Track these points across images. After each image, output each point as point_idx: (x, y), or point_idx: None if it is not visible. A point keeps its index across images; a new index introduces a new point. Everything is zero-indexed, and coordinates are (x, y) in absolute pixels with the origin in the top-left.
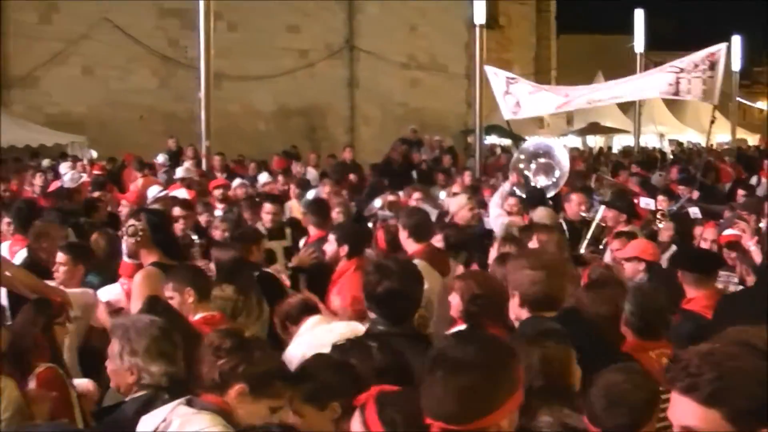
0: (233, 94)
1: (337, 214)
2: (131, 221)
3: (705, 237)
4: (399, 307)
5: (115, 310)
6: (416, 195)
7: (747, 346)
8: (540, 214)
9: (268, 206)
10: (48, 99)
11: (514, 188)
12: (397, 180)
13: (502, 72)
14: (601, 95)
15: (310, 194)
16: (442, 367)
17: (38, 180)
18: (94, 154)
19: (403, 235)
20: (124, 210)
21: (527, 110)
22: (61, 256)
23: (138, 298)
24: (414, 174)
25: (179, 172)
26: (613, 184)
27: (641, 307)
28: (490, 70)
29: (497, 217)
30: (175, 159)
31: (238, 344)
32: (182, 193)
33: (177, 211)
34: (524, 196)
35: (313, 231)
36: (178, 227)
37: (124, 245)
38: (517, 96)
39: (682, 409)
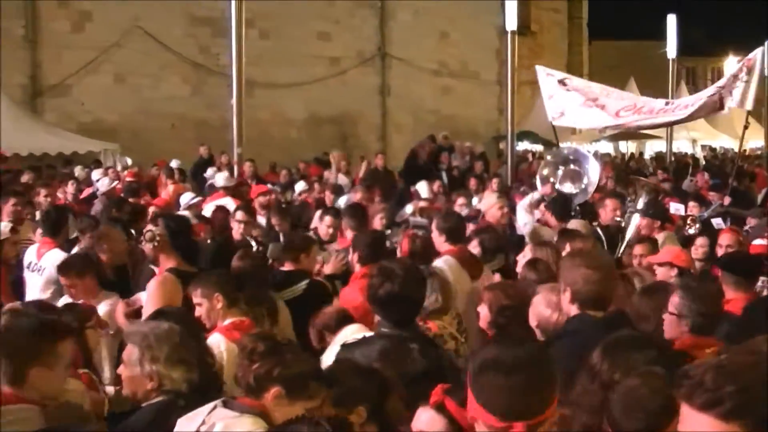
0: (264, 102)
1: (380, 221)
2: (149, 226)
3: (720, 243)
4: (401, 310)
5: (134, 310)
6: (461, 200)
7: (757, 355)
8: (574, 224)
9: (328, 219)
10: (80, 107)
11: (543, 196)
12: (419, 176)
13: (555, 73)
14: (652, 122)
15: (342, 200)
16: (502, 370)
17: (70, 188)
18: (129, 161)
19: (438, 239)
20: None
21: (570, 121)
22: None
23: (152, 304)
24: (444, 176)
25: (220, 180)
26: (645, 183)
27: (697, 303)
28: (542, 71)
29: (525, 224)
30: (206, 166)
31: (271, 348)
32: (227, 201)
33: (239, 215)
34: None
35: (350, 235)
36: (237, 232)
37: (146, 250)
38: (564, 105)
39: (699, 424)
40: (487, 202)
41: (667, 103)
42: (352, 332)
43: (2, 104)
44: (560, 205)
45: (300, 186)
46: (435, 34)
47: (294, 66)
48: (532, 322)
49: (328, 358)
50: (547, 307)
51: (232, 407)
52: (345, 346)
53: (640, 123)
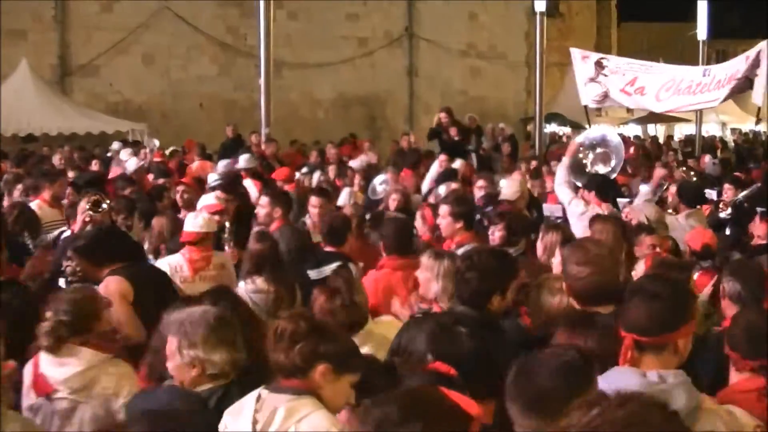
0: (293, 83)
1: (393, 202)
2: (66, 263)
3: (755, 233)
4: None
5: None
6: (480, 182)
7: None
8: (648, 210)
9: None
10: (109, 87)
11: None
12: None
13: (592, 55)
14: (691, 103)
15: (377, 181)
16: (640, 295)
17: (94, 167)
18: (157, 143)
19: (453, 224)
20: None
21: (615, 102)
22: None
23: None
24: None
25: (242, 162)
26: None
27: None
28: (577, 53)
29: (571, 201)
30: (234, 146)
31: (312, 326)
32: (248, 183)
33: (264, 202)
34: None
35: None
36: (315, 215)
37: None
38: (606, 87)
39: None
40: (510, 188)
41: (704, 74)
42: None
43: (32, 84)
44: (603, 185)
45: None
46: (464, 15)
47: (322, 47)
48: (539, 318)
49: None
50: (552, 296)
51: (282, 391)
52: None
53: (681, 107)
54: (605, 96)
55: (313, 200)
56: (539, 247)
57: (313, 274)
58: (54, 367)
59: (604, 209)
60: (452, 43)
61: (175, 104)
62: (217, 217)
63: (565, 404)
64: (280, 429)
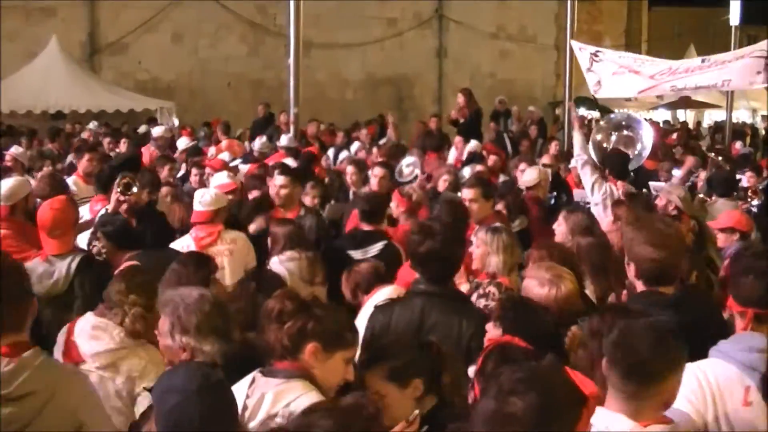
0: (321, 63)
1: (444, 183)
2: (94, 242)
3: None
4: (439, 267)
5: None
6: (522, 166)
7: None
8: (678, 192)
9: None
10: (138, 65)
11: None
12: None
13: (587, 47)
14: (686, 82)
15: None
16: (754, 273)
17: (122, 146)
18: (176, 121)
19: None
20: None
21: (608, 91)
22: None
23: None
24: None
25: (283, 141)
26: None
27: None
28: (576, 45)
29: (594, 183)
30: (265, 125)
31: (299, 305)
32: (290, 162)
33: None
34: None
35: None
36: (375, 185)
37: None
38: (599, 75)
39: None
40: (529, 175)
41: (703, 60)
42: (386, 295)
43: (62, 62)
44: (618, 163)
45: (355, 146)
46: None
47: (351, 27)
48: None
49: (361, 319)
50: (542, 287)
51: (274, 374)
52: (379, 308)
53: (676, 83)
54: (599, 84)
55: (377, 170)
56: (561, 230)
57: (357, 254)
58: (87, 340)
59: (619, 187)
60: (482, 25)
61: (202, 83)
62: (229, 197)
63: (663, 371)
64: (267, 415)
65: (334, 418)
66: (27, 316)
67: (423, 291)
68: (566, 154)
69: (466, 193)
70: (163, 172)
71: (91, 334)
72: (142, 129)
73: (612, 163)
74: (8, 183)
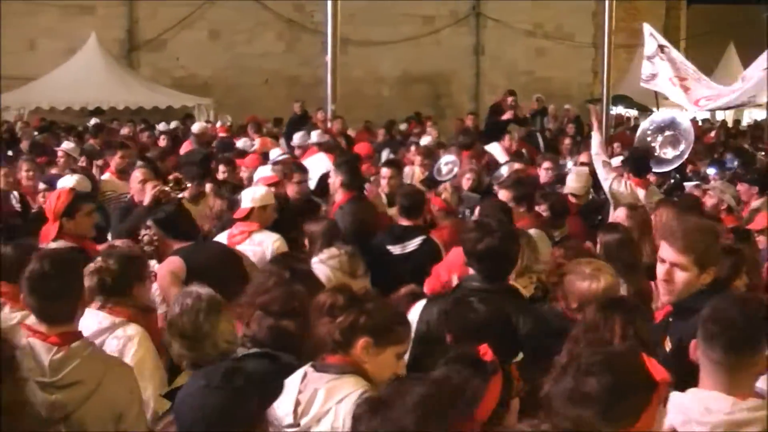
0: (357, 60)
1: (467, 181)
2: (143, 231)
3: None
4: (496, 264)
5: None
6: (546, 164)
7: None
8: (731, 191)
9: (385, 171)
10: (175, 62)
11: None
12: (499, 133)
13: (658, 37)
14: (719, 104)
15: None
16: None
17: (162, 142)
18: (229, 118)
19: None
20: (244, 174)
21: (658, 87)
22: None
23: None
24: (539, 139)
25: (314, 137)
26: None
27: None
28: (648, 29)
29: (606, 180)
30: (300, 123)
31: (351, 299)
32: (322, 157)
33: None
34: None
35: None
36: (385, 186)
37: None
38: (658, 69)
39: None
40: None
41: (742, 79)
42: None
43: (101, 58)
44: (638, 161)
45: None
46: None
47: (388, 24)
48: (572, 303)
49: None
50: (582, 281)
51: (326, 369)
52: (432, 301)
53: (711, 107)
54: (653, 77)
55: (384, 171)
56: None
57: (396, 249)
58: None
59: (641, 188)
60: (519, 22)
61: (239, 79)
62: (273, 190)
63: (760, 340)
64: (320, 410)
65: (426, 385)
66: (78, 308)
67: (477, 288)
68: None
69: (500, 194)
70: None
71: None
72: (173, 125)
73: (631, 162)
74: None
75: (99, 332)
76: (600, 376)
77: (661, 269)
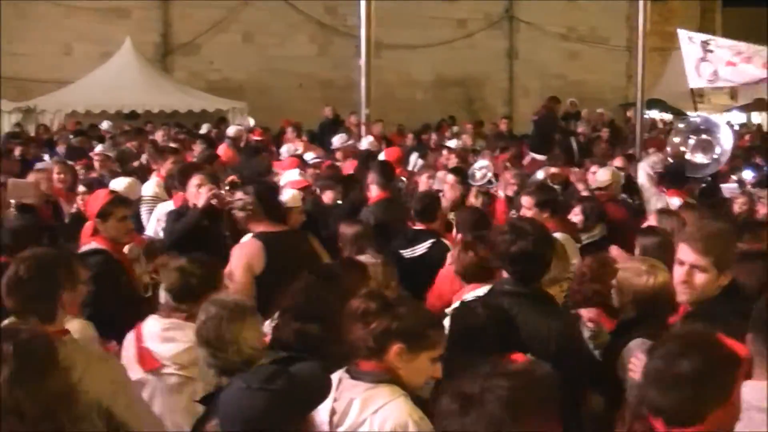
0: (390, 63)
1: (511, 187)
2: (239, 194)
3: None
4: (529, 267)
5: None
6: (594, 168)
7: None
8: None
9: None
10: (209, 66)
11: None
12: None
13: (697, 35)
14: None
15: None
16: None
17: (198, 147)
18: (251, 121)
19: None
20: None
21: (724, 81)
22: None
23: (233, 266)
24: (573, 143)
25: (335, 141)
26: None
27: None
28: (684, 35)
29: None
30: (332, 127)
31: (383, 304)
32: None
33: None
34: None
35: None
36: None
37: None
38: (715, 65)
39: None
40: (603, 176)
41: None
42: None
43: (136, 62)
44: (673, 175)
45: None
46: None
47: (421, 27)
48: (627, 297)
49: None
50: (639, 276)
51: (361, 377)
52: (465, 304)
53: None
54: (716, 74)
55: (449, 178)
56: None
57: (406, 252)
58: (160, 343)
59: (677, 201)
60: (552, 25)
61: (272, 83)
62: (301, 194)
63: None
64: (355, 421)
65: (511, 378)
66: (59, 308)
67: (510, 291)
68: (632, 156)
69: (522, 200)
70: None
71: (164, 336)
72: (204, 129)
73: (667, 176)
74: None
75: None
76: (691, 357)
77: (679, 271)
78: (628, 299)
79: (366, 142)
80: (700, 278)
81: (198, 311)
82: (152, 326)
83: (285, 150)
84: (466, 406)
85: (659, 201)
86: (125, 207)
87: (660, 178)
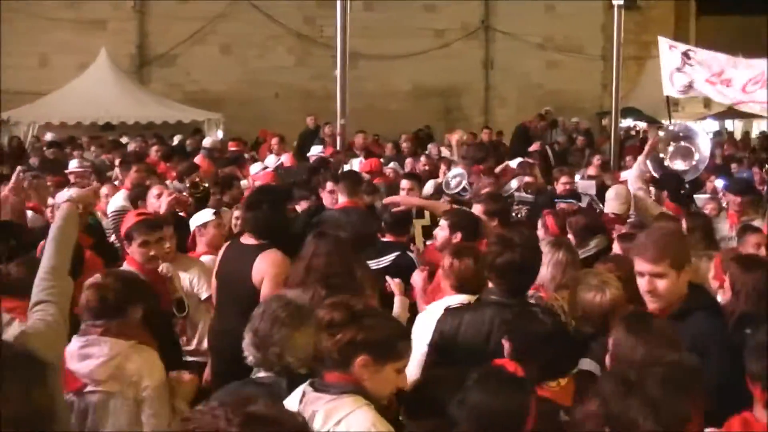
0: (369, 73)
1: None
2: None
3: None
4: (516, 279)
5: None
6: (564, 179)
7: None
8: None
9: (405, 183)
10: (186, 77)
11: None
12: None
13: (678, 45)
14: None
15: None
16: None
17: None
18: (220, 134)
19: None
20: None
21: (700, 94)
22: None
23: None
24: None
25: (313, 152)
26: None
27: None
28: (664, 43)
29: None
30: (313, 137)
31: (349, 315)
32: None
33: (405, 184)
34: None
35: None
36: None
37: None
38: (691, 77)
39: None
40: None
41: None
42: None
43: (111, 73)
44: (674, 185)
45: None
46: (540, 7)
47: (399, 38)
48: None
49: (423, 321)
50: (588, 292)
51: (325, 389)
52: (450, 312)
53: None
54: (690, 86)
55: (404, 183)
56: None
57: (372, 264)
58: (77, 362)
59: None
60: (529, 35)
61: (251, 94)
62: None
63: None
64: None
65: (666, 366)
66: None
67: (495, 302)
68: (607, 164)
69: (474, 208)
70: None
71: (80, 354)
72: (176, 140)
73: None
74: None
75: None
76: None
77: (642, 282)
78: (576, 315)
79: (314, 151)
80: (661, 284)
81: (117, 326)
82: (72, 346)
83: (269, 161)
84: (628, 389)
85: (657, 208)
86: (150, 232)
87: (656, 186)
